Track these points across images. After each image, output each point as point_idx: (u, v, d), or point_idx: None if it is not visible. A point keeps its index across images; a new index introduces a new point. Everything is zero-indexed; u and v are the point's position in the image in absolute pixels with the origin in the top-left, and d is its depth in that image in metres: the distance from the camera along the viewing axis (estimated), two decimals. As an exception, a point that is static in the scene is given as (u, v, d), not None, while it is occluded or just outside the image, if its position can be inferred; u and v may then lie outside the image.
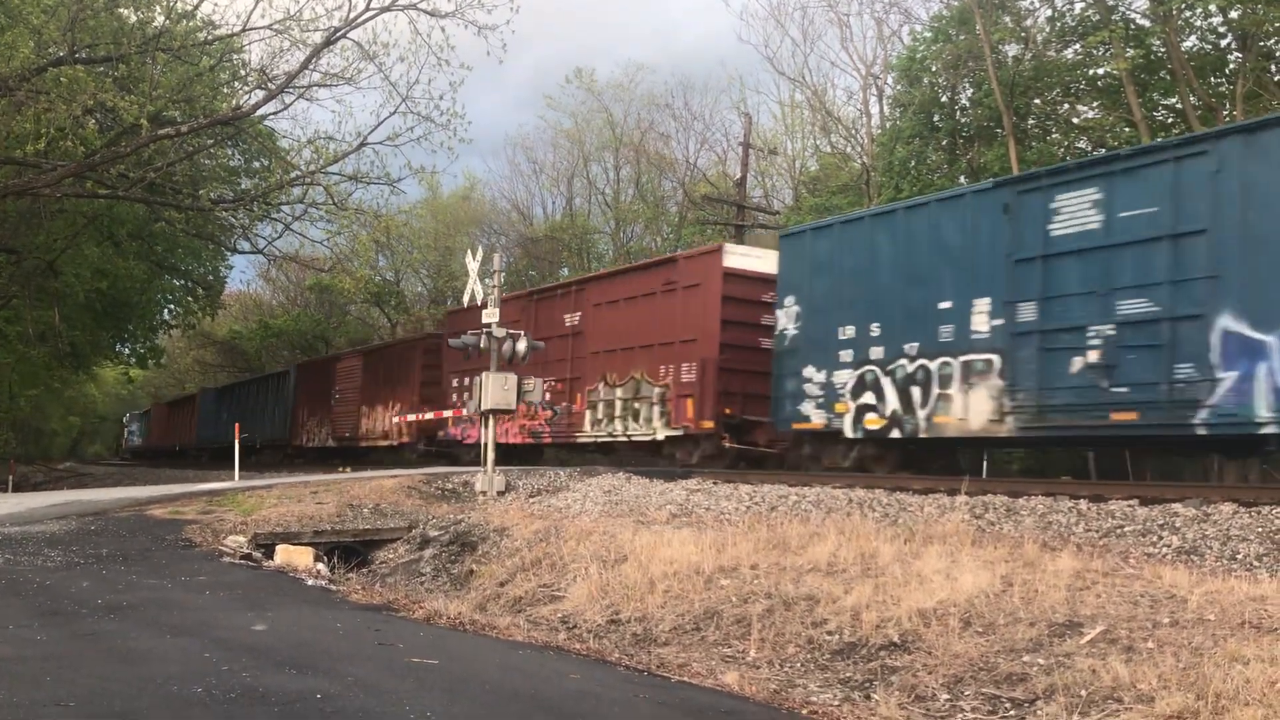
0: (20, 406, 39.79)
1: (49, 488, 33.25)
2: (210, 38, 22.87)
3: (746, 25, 69.23)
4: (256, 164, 30.02)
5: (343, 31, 22.22)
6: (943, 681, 6.44)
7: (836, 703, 6.35)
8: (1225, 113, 23.63)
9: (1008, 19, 28.72)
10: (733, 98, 67.30)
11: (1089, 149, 29.35)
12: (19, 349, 30.83)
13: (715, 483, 16.24)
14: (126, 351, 41.76)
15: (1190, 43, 25.13)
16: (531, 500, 16.49)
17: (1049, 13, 28.33)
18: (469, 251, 19.84)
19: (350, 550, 13.38)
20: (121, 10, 22.52)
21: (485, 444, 18.06)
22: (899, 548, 9.22)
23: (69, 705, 4.94)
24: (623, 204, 47.91)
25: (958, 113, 31.93)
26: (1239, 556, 9.10)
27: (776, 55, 60.50)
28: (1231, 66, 24.38)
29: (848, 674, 7.03)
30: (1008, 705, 5.99)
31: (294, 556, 11.78)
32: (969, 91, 31.55)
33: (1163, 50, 25.09)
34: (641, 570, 9.74)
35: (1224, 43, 24.81)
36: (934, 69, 31.48)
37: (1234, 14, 23.56)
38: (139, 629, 7.04)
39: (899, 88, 34.05)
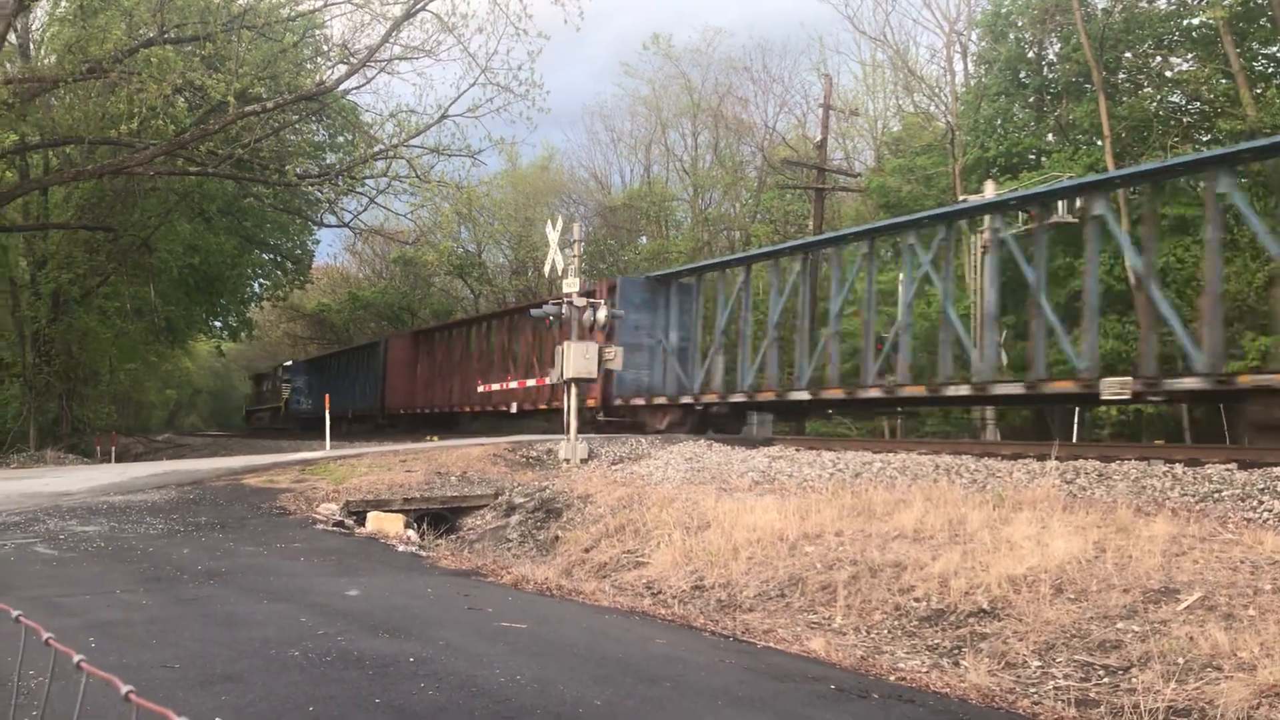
0: (120, 380, 41.11)
1: (148, 458, 34.39)
2: (293, 14, 23.22)
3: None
4: (340, 139, 30.50)
5: (421, 4, 22.41)
6: (1034, 648, 6.35)
7: (924, 669, 6.29)
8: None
9: (1098, -30, 27.88)
10: (812, 59, 66.47)
11: (1183, 103, 28.40)
12: (117, 324, 31.82)
13: (798, 449, 16.17)
14: (219, 325, 42.83)
15: (1293, -12, 24.11)
16: (614, 467, 16.59)
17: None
18: (549, 222, 19.93)
19: (439, 517, 13.61)
20: (207, -10, 22.99)
21: (567, 411, 18.21)
22: (987, 514, 9.09)
23: (174, 667, 5.11)
24: (701, 170, 47.63)
25: (1045, 68, 31.12)
26: (1346, 521, 8.80)
27: (857, 14, 59.87)
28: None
29: (936, 641, 6.96)
30: (1101, 672, 5.89)
31: (384, 523, 12.02)
32: (1056, 46, 30.72)
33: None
34: (725, 537, 9.75)
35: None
36: (1020, 24, 30.69)
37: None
38: (237, 594, 7.26)
39: (984, 44, 33.26)
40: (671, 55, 47.08)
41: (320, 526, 11.39)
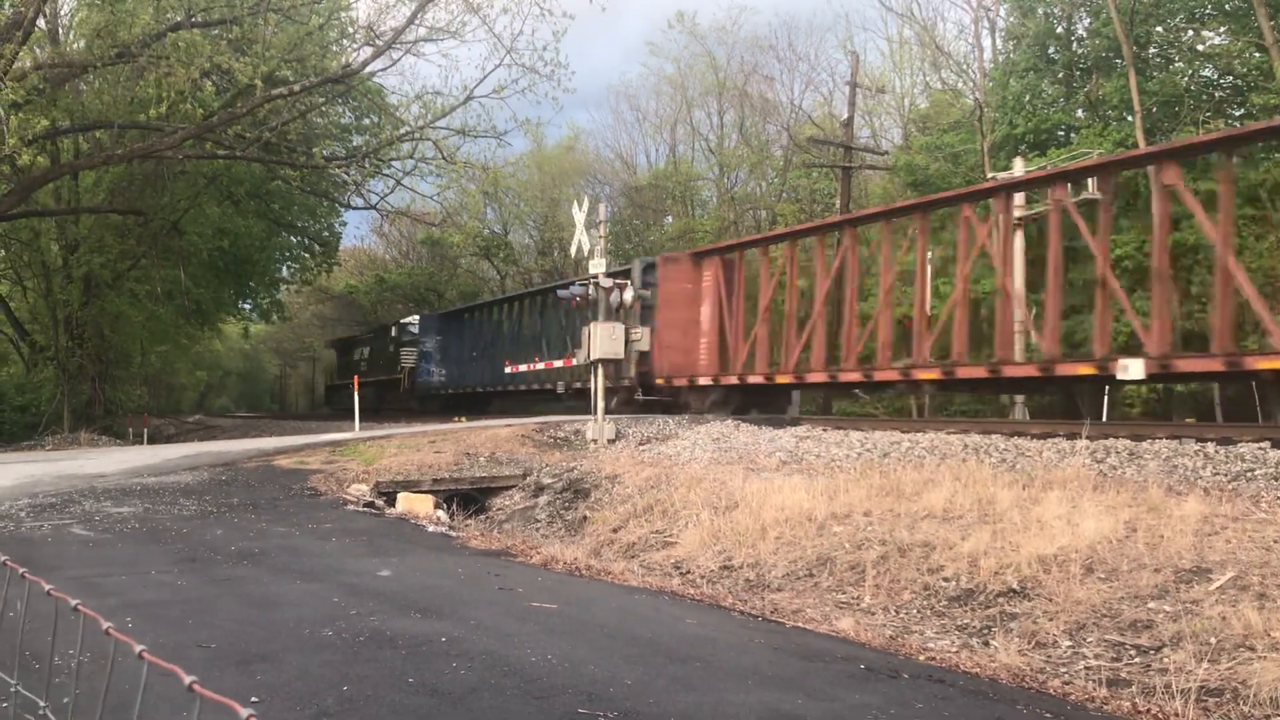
0: (151, 362, 41.48)
1: (180, 440, 34.74)
2: (319, -4, 23.27)
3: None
4: (367, 121, 30.56)
5: (446, -16, 22.37)
6: (1064, 628, 6.33)
7: (954, 649, 6.29)
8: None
9: (1128, -57, 27.50)
10: (838, 36, 65.90)
11: (1215, 77, 28.01)
12: (148, 307, 32.11)
13: (825, 429, 16.14)
14: (248, 307, 43.10)
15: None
16: (641, 448, 16.63)
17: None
18: (574, 202, 19.91)
19: (468, 498, 13.70)
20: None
21: (595, 391, 18.25)
22: (1017, 493, 9.05)
23: (210, 647, 5.19)
24: (726, 149, 47.45)
25: (1074, 44, 30.77)
26: (1380, 501, 8.71)
27: (884, -11, 58.86)
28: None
29: (965, 620, 6.96)
30: (1132, 652, 5.87)
31: (414, 504, 12.11)
32: (1086, 21, 30.35)
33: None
34: (753, 517, 9.76)
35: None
36: (1049, -1, 30.34)
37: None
38: (270, 575, 7.34)
39: (1012, 20, 32.91)
40: (697, 33, 46.86)
41: (351, 507, 11.49)
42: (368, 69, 24.67)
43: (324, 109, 28.23)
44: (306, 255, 39.93)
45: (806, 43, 61.72)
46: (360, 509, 11.41)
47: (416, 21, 22.91)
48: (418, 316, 41.68)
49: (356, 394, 26.44)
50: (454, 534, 10.23)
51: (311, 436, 22.03)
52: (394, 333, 41.72)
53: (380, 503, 12.04)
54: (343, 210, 36.74)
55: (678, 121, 50.02)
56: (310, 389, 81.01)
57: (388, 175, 27.72)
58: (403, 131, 25.17)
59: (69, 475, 13.63)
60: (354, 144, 29.53)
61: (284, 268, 40.83)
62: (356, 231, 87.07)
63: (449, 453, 15.62)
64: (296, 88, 23.19)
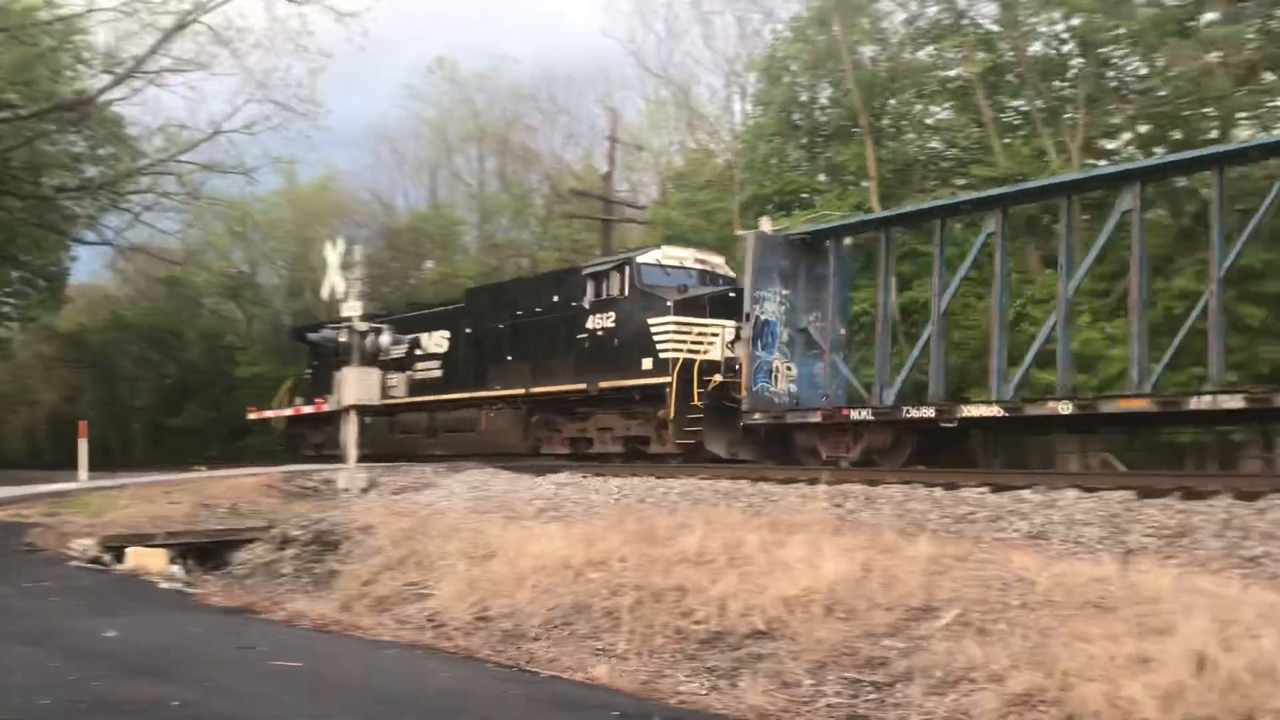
0: None
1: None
2: (52, 17, 21.81)
3: (612, 20, 69.30)
4: (102, 151, 28.74)
5: (194, 15, 21.48)
6: (807, 667, 6.58)
7: (704, 691, 6.43)
8: (1066, 116, 24.74)
9: (864, 21, 29.52)
10: (598, 91, 67.24)
11: (942, 149, 30.35)
12: None
13: (585, 476, 16.27)
14: (-42, 343, 39.50)
15: (1036, 48, 26.23)
16: (395, 497, 16.24)
17: (904, 16, 29.23)
18: (328, 243, 19.27)
19: (207, 551, 12.93)
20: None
21: (345, 439, 17.70)
22: (764, 537, 9.37)
23: (-98, 722, 4.66)
24: (488, 195, 47.50)
25: (816, 112, 32.62)
26: (1082, 540, 9.57)
27: (641, 50, 60.66)
28: (1073, 71, 25.54)
29: (715, 663, 7.12)
30: (869, 688, 6.17)
31: (146, 559, 11.34)
32: (828, 91, 32.25)
33: (1011, 54, 26.13)
34: (510, 565, 9.67)
35: (1065, 49, 25.98)
36: (793, 68, 32.10)
37: (1075, 21, 24.70)
38: (-22, 639, 6.68)
39: (760, 86, 34.57)
40: (457, 79, 46.84)
41: (75, 563, 10.64)
42: (105, 97, 23.26)
43: (55, 136, 26.35)
44: (31, 290, 36.98)
45: (566, 96, 62.69)
46: (85, 565, 10.58)
47: (161, 51, 21.83)
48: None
49: (84, 441, 24.59)
50: (190, 590, 9.65)
51: (32, 487, 20.29)
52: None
53: (108, 558, 11.20)
54: (72, 244, 34.30)
55: (439, 166, 49.69)
56: (29, 434, 74.41)
57: (125, 209, 26.13)
58: (143, 164, 23.84)
59: None
60: (87, 174, 27.68)
61: (3, 305, 37.67)
62: (88, 267, 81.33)
63: (186, 504, 14.75)
64: (24, 112, 21.59)
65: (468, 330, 24.16)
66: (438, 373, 24.83)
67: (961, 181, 27.51)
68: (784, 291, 18.61)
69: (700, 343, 18.42)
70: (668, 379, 18.18)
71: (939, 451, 16.89)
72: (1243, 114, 23.08)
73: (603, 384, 19.65)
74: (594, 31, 78.31)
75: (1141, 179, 15.03)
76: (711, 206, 33.37)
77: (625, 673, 6.88)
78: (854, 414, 16.60)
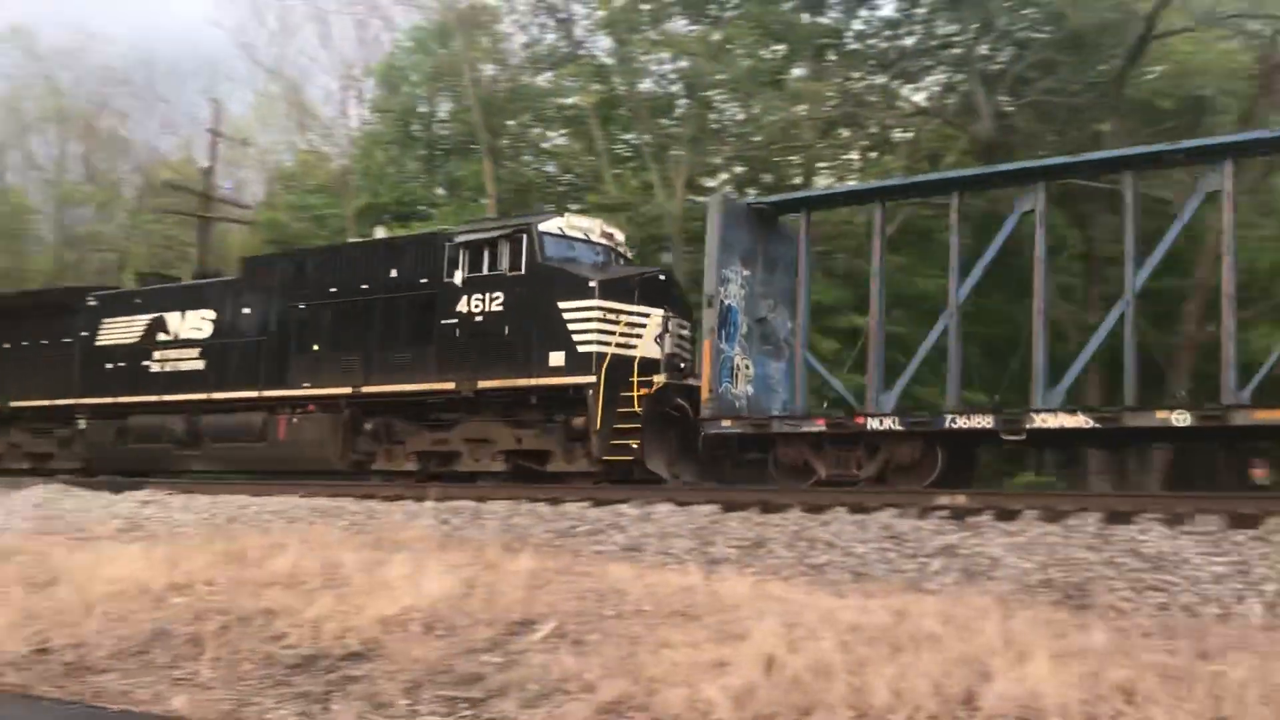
0: None
1: None
2: None
3: (220, 9, 65.59)
4: None
5: None
6: (402, 687, 6.45)
7: (294, 717, 6.14)
8: (673, 152, 26.31)
9: (485, 39, 29.88)
10: (202, 81, 63.31)
11: (559, 173, 31.28)
12: None
13: (170, 493, 15.23)
14: None
15: (647, 84, 27.71)
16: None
17: (524, 39, 29.90)
18: None
19: None
20: None
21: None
22: (365, 556, 9.14)
23: None
24: (69, 182, 43.30)
25: (435, 125, 32.59)
26: (673, 551, 10.12)
27: (251, 43, 57.91)
28: (680, 111, 27.22)
29: (307, 687, 6.82)
30: (464, 705, 6.13)
31: None
32: (448, 105, 32.33)
33: (624, 89, 27.42)
34: (79, 592, 8.81)
35: (674, 88, 27.65)
36: (414, 79, 31.91)
37: (684, 63, 26.36)
38: None
39: (379, 93, 34.03)
40: (36, 52, 42.41)
41: None
42: None
43: None
44: None
45: (167, 83, 58.56)
46: None
47: None
48: None
49: None
50: None
51: None
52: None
53: None
54: None
55: (9, 146, 44.68)
56: None
57: None
58: None
59: None
60: None
61: None
62: None
63: None
64: None
65: (245, 310, 19.27)
66: (197, 364, 19.53)
67: (577, 206, 28.51)
68: (745, 273, 15.13)
69: (629, 335, 15.07)
70: (590, 378, 14.60)
71: (972, 468, 14.51)
72: (823, 164, 25.74)
73: (483, 383, 15.52)
74: (200, 19, 73.48)
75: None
76: (324, 211, 32.36)
77: (208, 702, 6.44)
78: (873, 423, 13.27)
